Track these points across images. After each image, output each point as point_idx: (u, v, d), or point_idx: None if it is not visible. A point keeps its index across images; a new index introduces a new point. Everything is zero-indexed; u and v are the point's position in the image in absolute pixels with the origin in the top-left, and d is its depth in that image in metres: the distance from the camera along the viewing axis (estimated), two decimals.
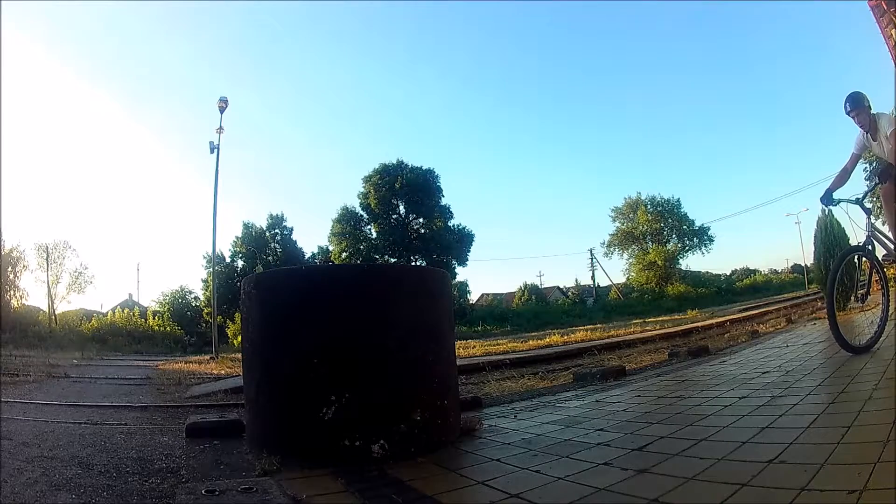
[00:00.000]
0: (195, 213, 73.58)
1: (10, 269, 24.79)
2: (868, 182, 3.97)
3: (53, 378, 7.03)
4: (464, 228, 33.65)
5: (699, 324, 12.12)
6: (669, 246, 42.25)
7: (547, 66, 71.58)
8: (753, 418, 2.06)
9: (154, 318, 27.30)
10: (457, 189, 69.94)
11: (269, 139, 66.96)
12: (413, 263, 29.94)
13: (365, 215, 33.80)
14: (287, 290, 2.22)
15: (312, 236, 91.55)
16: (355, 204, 33.83)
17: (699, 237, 42.26)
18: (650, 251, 42.00)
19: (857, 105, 3.87)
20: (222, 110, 14.09)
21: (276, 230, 33.10)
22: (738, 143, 78.40)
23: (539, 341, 12.12)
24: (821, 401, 2.23)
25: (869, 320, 3.84)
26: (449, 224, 33.59)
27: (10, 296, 24.40)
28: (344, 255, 32.73)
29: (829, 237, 7.62)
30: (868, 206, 3.85)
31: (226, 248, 31.79)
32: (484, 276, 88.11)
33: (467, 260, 33.49)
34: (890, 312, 3.63)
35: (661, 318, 19.37)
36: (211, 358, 12.27)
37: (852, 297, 4.58)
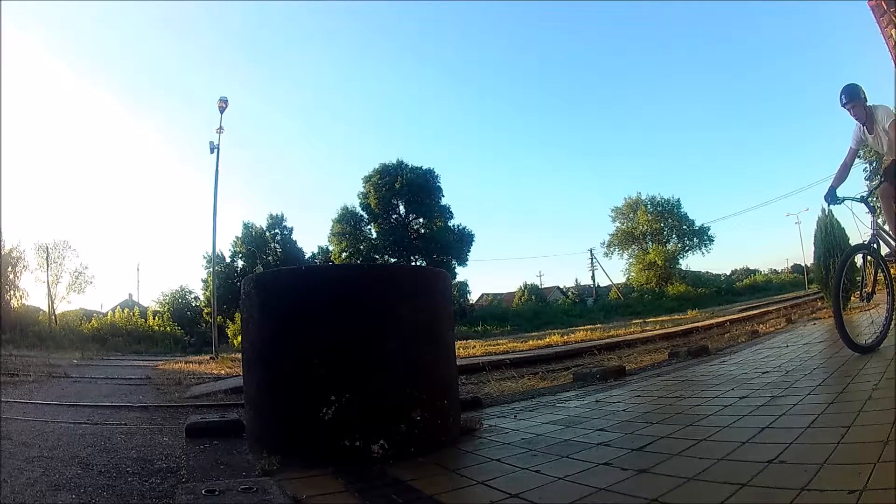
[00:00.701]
0: (195, 213, 73.67)
1: (10, 269, 24.78)
2: (868, 182, 3.90)
3: (53, 378, 7.03)
4: (464, 228, 33.67)
5: (699, 324, 12.12)
6: (669, 246, 42.26)
7: (547, 65, 71.61)
8: (753, 418, 2.06)
9: (154, 318, 27.29)
10: (457, 189, 69.99)
11: (269, 139, 67.02)
12: (413, 263, 29.94)
13: (365, 215, 33.80)
14: (287, 290, 2.22)
15: (312, 236, 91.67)
16: (355, 204, 33.88)
17: (699, 237, 42.28)
18: (650, 251, 42.00)
19: (852, 97, 3.78)
20: (222, 110, 14.10)
21: (276, 230, 33.10)
22: (739, 143, 78.51)
23: (539, 341, 12.12)
24: (821, 401, 2.23)
25: (871, 320, 3.82)
26: (449, 224, 33.60)
27: (10, 296, 24.39)
28: (344, 255, 32.73)
29: (830, 237, 7.62)
30: (873, 204, 3.84)
31: (226, 248, 31.82)
32: (484, 276, 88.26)
33: (467, 260, 33.50)
34: (894, 312, 3.60)
35: (661, 318, 19.37)
36: (211, 358, 12.27)
37: (853, 297, 4.52)
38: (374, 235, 33.54)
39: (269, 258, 31.47)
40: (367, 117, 70.03)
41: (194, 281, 46.20)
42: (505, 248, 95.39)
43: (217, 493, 1.54)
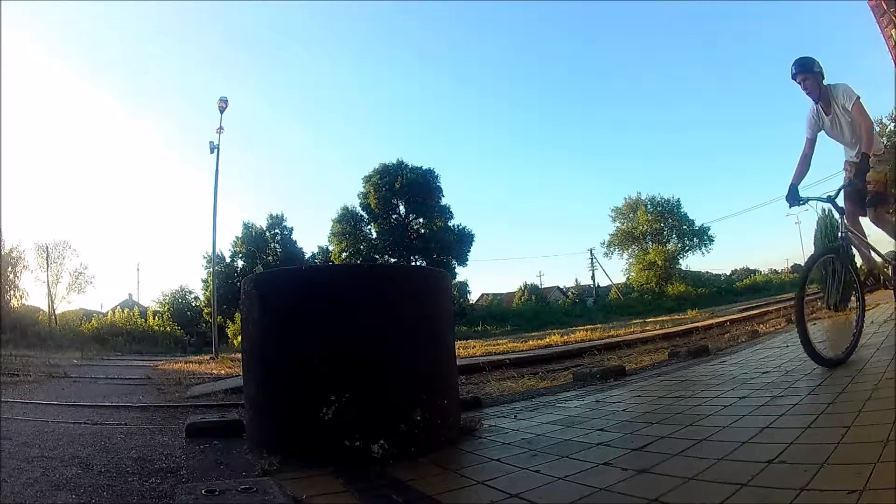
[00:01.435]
0: (195, 213, 73.66)
1: (10, 269, 24.80)
2: (845, 185, 3.52)
3: (53, 378, 7.03)
4: (464, 228, 33.66)
5: (699, 324, 12.11)
6: (669, 246, 42.26)
7: (547, 65, 71.62)
8: (753, 418, 2.06)
9: (154, 318, 27.32)
10: (457, 189, 69.95)
11: (270, 139, 67.01)
12: (413, 263, 29.94)
13: (365, 215, 33.80)
14: (287, 289, 2.22)
15: (312, 236, 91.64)
16: (355, 204, 33.87)
17: (699, 237, 42.28)
18: (650, 251, 41.99)
19: (804, 68, 3.32)
20: (222, 110, 14.10)
21: (276, 230, 33.11)
22: (739, 143, 78.53)
23: (539, 341, 12.12)
24: (821, 401, 2.23)
25: (839, 330, 3.76)
26: (449, 224, 33.59)
27: (10, 296, 24.42)
28: (344, 255, 32.72)
29: (829, 238, 7.62)
30: (841, 205, 3.39)
31: (226, 248, 31.82)
32: (484, 276, 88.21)
33: (467, 260, 33.48)
34: (865, 322, 3.34)
35: (661, 318, 19.36)
36: (211, 358, 12.27)
37: (822, 303, 4.39)
38: (374, 235, 33.54)
39: (269, 258, 31.46)
40: (367, 117, 70.03)
41: (194, 281, 46.20)
42: (505, 248, 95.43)
43: (217, 493, 1.54)
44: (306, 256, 33.44)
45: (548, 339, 12.35)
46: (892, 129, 28.76)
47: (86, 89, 57.44)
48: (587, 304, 40.35)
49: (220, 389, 5.33)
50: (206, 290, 28.67)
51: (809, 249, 8.36)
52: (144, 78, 62.40)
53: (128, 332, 24.02)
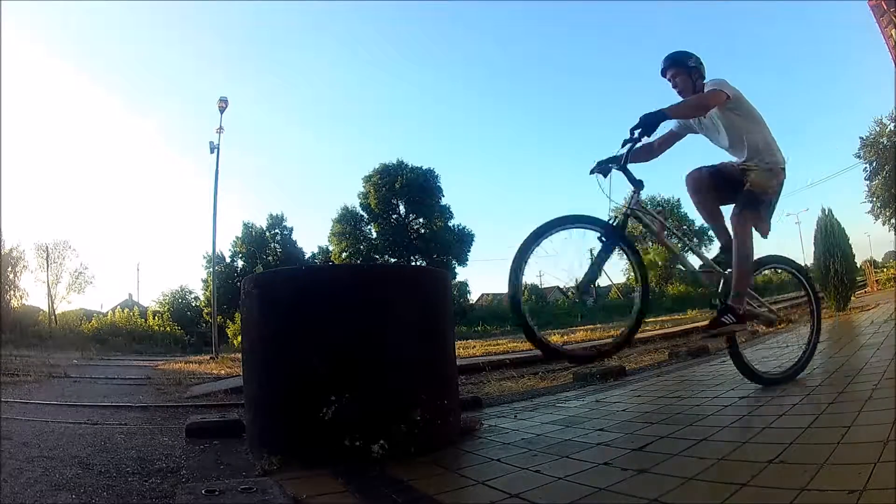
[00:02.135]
0: (195, 213, 73.47)
1: (10, 269, 24.81)
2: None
3: (53, 378, 7.03)
4: (464, 228, 33.65)
5: (699, 324, 12.10)
6: None
7: (548, 65, 71.65)
8: (753, 418, 2.06)
9: (154, 318, 27.32)
10: (457, 189, 69.88)
11: (269, 139, 66.88)
12: (413, 263, 29.94)
13: (365, 215, 33.80)
14: (287, 289, 2.22)
15: (312, 236, 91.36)
16: (355, 204, 33.88)
17: (699, 237, 42.28)
18: (650, 251, 42.01)
19: (675, 63, 2.77)
20: (222, 110, 14.12)
21: (276, 230, 33.12)
22: None
23: None
24: (821, 401, 2.23)
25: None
26: (449, 224, 33.59)
27: (10, 296, 24.42)
28: (344, 255, 32.73)
29: (829, 237, 7.63)
30: (632, 173, 2.65)
31: (226, 248, 31.83)
32: (484, 276, 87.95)
33: (467, 260, 33.46)
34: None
35: (661, 318, 19.38)
36: (211, 358, 12.27)
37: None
38: (374, 235, 33.55)
39: (269, 258, 31.47)
40: (368, 117, 69.99)
41: (194, 281, 46.14)
42: (505, 248, 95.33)
43: (217, 493, 1.54)
44: (306, 256, 33.45)
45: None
46: (892, 129, 28.81)
47: (85, 89, 57.42)
48: (587, 304, 40.30)
49: (220, 389, 5.33)
50: (206, 290, 28.67)
51: (809, 249, 8.31)
52: (144, 78, 62.41)
53: (128, 332, 24.02)
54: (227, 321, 25.19)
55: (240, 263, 31.42)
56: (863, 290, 14.73)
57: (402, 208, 33.54)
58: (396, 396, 2.05)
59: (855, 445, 1.54)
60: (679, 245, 2.91)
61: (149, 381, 7.02)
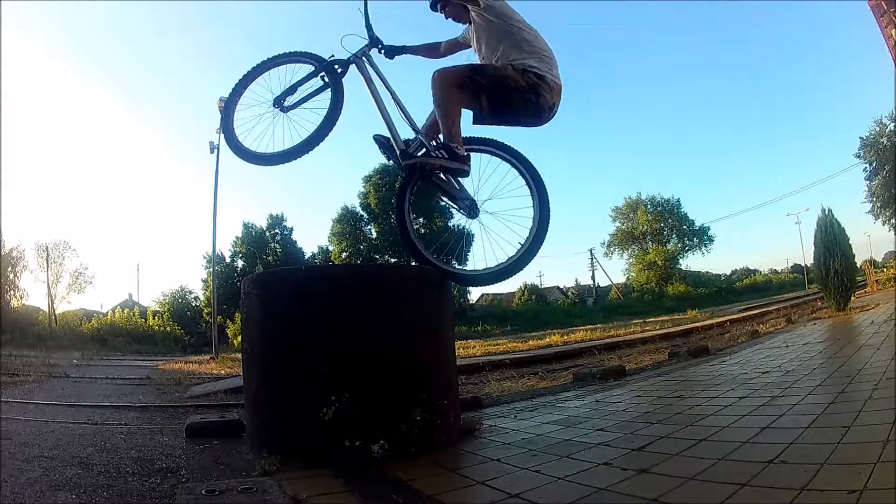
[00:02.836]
0: (195, 213, 73.70)
1: (10, 269, 24.81)
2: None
3: (53, 378, 7.04)
4: (464, 228, 33.52)
5: (699, 324, 12.12)
6: (669, 246, 42.29)
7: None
8: (753, 418, 2.06)
9: (154, 318, 27.31)
10: None
11: None
12: (413, 263, 29.85)
13: (365, 215, 33.78)
14: (287, 289, 2.22)
15: (312, 236, 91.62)
16: (355, 204, 33.84)
17: (699, 237, 42.31)
18: (650, 251, 42.02)
19: None
20: (222, 110, 14.10)
21: (276, 230, 33.09)
22: (739, 143, 78.57)
23: (539, 341, 12.12)
24: (821, 401, 2.23)
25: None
26: (449, 224, 33.60)
27: (10, 296, 24.43)
28: (344, 255, 32.71)
29: (829, 237, 7.63)
30: (373, 57, 2.75)
31: (226, 248, 31.80)
32: None
33: (467, 260, 33.39)
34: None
35: (661, 318, 19.38)
36: (211, 358, 12.29)
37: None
38: (374, 235, 33.53)
39: (269, 258, 31.45)
40: (368, 117, 69.80)
41: (194, 281, 46.28)
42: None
43: (217, 493, 1.54)
44: (306, 256, 33.44)
45: (548, 339, 12.36)
46: (892, 129, 28.81)
47: (86, 89, 57.48)
48: (587, 304, 40.36)
49: (220, 389, 5.34)
50: (206, 290, 28.66)
51: (809, 249, 8.31)
52: (145, 78, 62.46)
53: (128, 332, 24.02)
54: (227, 321, 25.17)
55: (240, 263, 31.39)
56: (863, 290, 14.72)
57: None
58: (396, 396, 2.05)
59: (855, 445, 1.54)
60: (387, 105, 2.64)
61: (149, 381, 7.03)
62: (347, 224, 33.43)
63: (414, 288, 2.29)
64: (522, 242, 2.51)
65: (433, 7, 2.84)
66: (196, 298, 32.04)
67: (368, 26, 2.76)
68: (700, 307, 26.06)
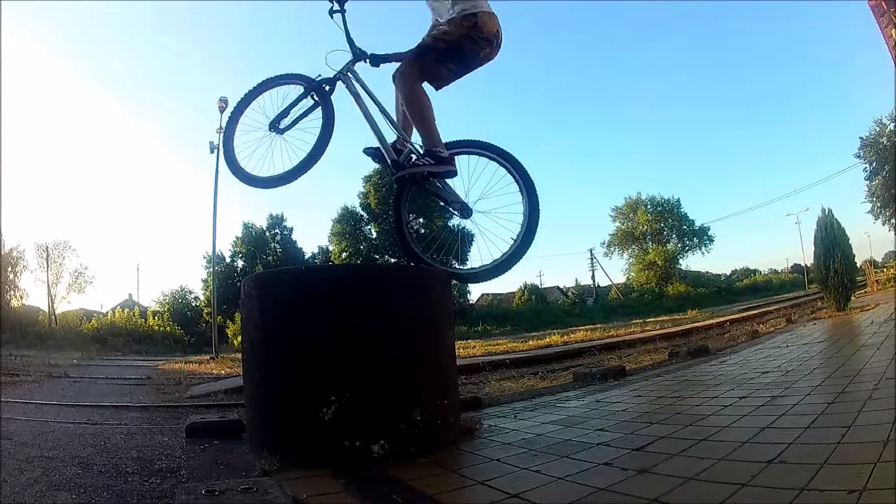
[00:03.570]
0: (195, 213, 73.70)
1: (10, 269, 24.82)
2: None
3: (53, 378, 7.04)
4: (464, 228, 33.53)
5: (699, 324, 12.12)
6: (669, 246, 42.31)
7: (548, 65, 71.61)
8: (753, 418, 2.06)
9: (154, 318, 27.31)
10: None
11: None
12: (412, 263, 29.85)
13: (365, 215, 33.78)
14: (287, 290, 2.22)
15: (312, 236, 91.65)
16: (355, 204, 33.84)
17: (699, 237, 42.34)
18: (650, 251, 42.05)
19: None
20: (222, 110, 14.11)
21: (276, 230, 33.11)
22: (739, 143, 78.62)
23: (539, 341, 12.13)
24: (821, 401, 2.23)
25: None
26: (449, 224, 33.58)
27: (10, 296, 24.44)
28: (344, 255, 32.71)
29: (830, 237, 7.63)
30: (360, 49, 2.76)
31: (226, 248, 31.84)
32: None
33: (467, 260, 33.40)
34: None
35: (661, 318, 19.38)
36: (211, 358, 12.29)
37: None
38: (374, 235, 33.52)
39: (269, 258, 31.47)
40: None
41: (194, 281, 46.30)
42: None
43: (217, 493, 1.54)
44: (306, 256, 33.46)
45: (548, 339, 12.36)
46: (892, 129, 28.82)
47: (86, 89, 57.48)
48: (587, 304, 40.37)
49: (220, 389, 5.34)
50: (206, 290, 28.68)
51: (809, 249, 8.30)
52: (145, 78, 62.45)
53: (128, 332, 24.01)
54: (227, 321, 25.17)
55: (240, 263, 31.41)
56: (863, 290, 14.73)
57: None
58: (396, 396, 2.04)
59: (855, 445, 1.54)
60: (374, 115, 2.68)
61: (149, 381, 7.03)
62: (347, 224, 33.42)
63: (414, 288, 2.29)
64: (515, 237, 2.60)
65: None
66: (196, 298, 32.07)
67: (350, 41, 2.78)
68: (700, 307, 26.08)
